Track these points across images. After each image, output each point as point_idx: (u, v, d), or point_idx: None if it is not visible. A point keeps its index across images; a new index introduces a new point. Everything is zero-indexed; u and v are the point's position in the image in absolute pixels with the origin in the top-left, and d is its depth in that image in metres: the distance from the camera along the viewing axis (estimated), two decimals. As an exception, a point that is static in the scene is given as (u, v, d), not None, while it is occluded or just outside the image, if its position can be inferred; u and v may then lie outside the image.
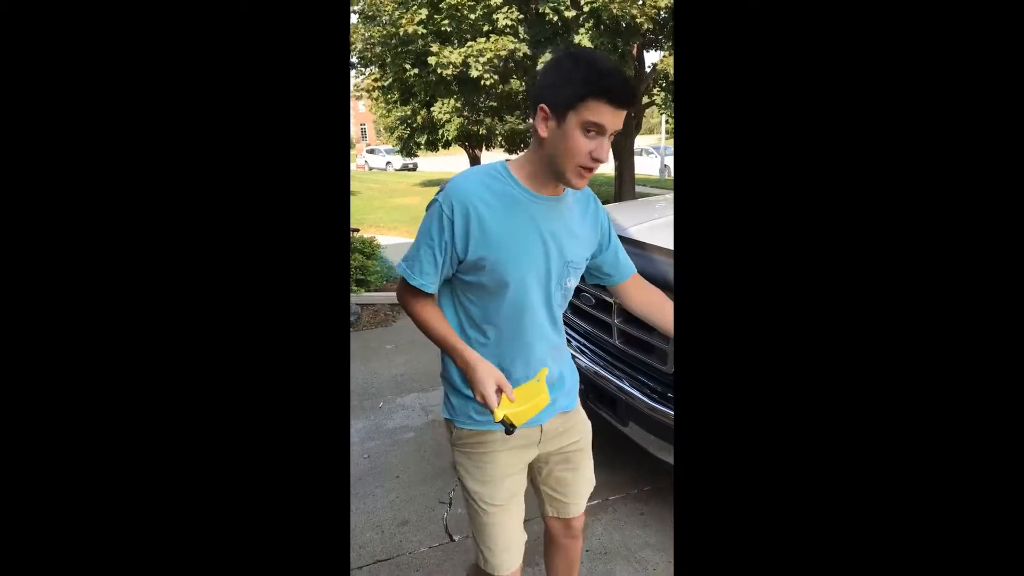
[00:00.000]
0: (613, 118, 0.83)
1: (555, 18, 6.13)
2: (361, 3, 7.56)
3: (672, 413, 1.55)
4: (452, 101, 8.73)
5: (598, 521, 1.79)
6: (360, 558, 1.66)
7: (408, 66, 7.26)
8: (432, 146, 12.14)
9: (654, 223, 2.09)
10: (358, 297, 3.96)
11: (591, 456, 1.19)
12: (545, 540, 1.27)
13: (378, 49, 7.58)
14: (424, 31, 6.42)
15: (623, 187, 8.58)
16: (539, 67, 6.31)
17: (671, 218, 2.23)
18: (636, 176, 9.63)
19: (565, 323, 2.16)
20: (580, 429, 1.15)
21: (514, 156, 1.00)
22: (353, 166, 23.22)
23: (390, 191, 14.00)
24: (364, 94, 10.11)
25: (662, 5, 5.95)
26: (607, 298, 1.83)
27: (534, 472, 1.15)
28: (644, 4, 5.87)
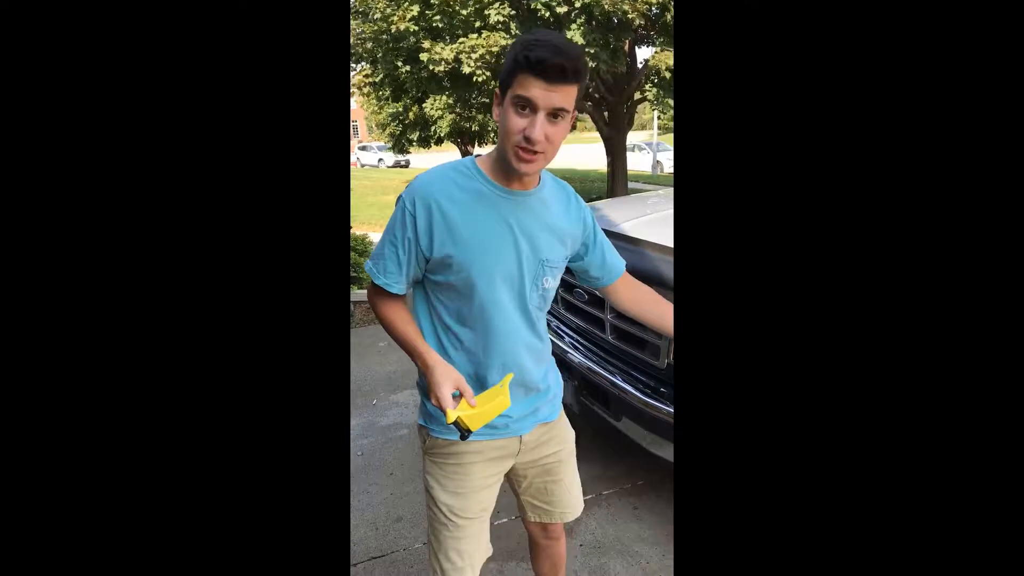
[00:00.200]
0: (544, 93, 0.78)
1: (547, 14, 6.12)
2: (352, -1, 7.51)
3: (665, 408, 1.56)
4: (444, 97, 8.70)
5: (592, 516, 1.80)
6: (355, 555, 1.66)
7: (400, 62, 7.22)
8: (424, 143, 12.09)
9: (646, 219, 2.09)
10: (351, 294, 3.95)
11: (575, 465, 1.16)
12: (529, 542, 1.26)
13: (369, 45, 7.53)
14: (416, 27, 6.38)
15: (616, 183, 8.59)
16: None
17: (663, 214, 2.24)
18: (629, 172, 9.64)
19: (558, 319, 2.18)
20: (561, 439, 1.11)
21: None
22: (345, 163, 22.99)
23: (382, 188, 13.96)
24: (355, 90, 10.05)
25: (654, 1, 5.95)
26: (598, 293, 1.83)
27: (514, 482, 1.12)
28: (636, 0, 5.87)
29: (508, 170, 0.87)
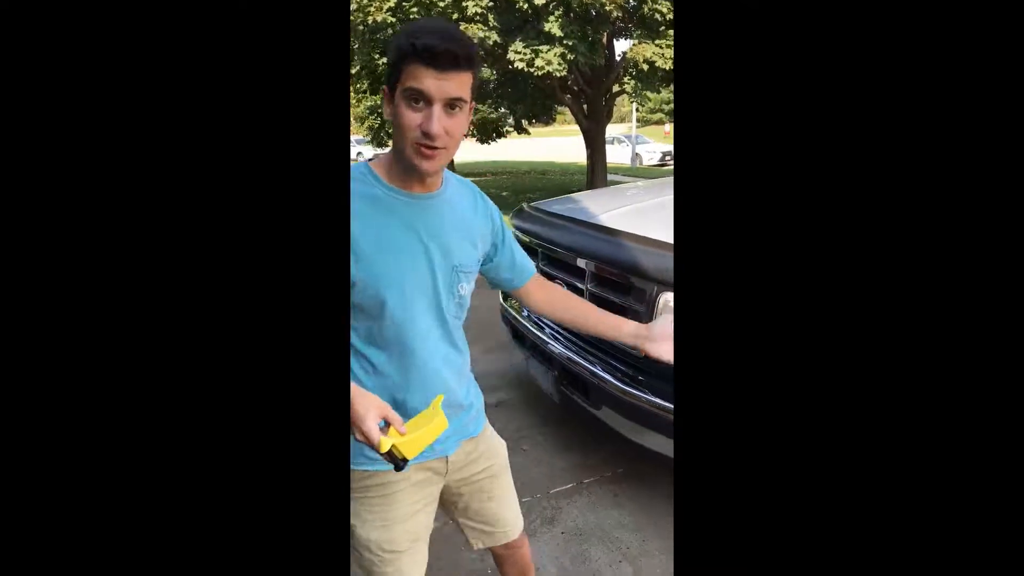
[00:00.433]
0: (436, 83, 0.72)
1: (525, 5, 6.10)
2: (327, -11, 7.36)
3: (643, 396, 1.59)
4: (422, 90, 8.61)
5: (573, 504, 1.82)
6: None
7: (377, 55, 7.14)
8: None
9: (624, 210, 2.11)
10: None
11: (510, 479, 1.10)
12: (495, 559, 1.18)
13: (345, 36, 7.43)
14: (393, 19, 6.31)
15: (595, 176, 8.63)
16: (509, 56, 6.28)
17: (641, 205, 2.26)
18: (608, 165, 9.69)
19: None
20: (491, 454, 1.05)
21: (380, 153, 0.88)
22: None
23: (361, 182, 13.77)
24: (332, 83, 9.90)
25: (631, -7, 5.97)
26: (579, 284, 1.85)
27: (449, 507, 1.06)
28: (614, -8, 5.88)
29: (408, 171, 0.80)
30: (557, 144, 24.16)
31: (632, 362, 1.67)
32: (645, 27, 6.64)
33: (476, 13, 6.18)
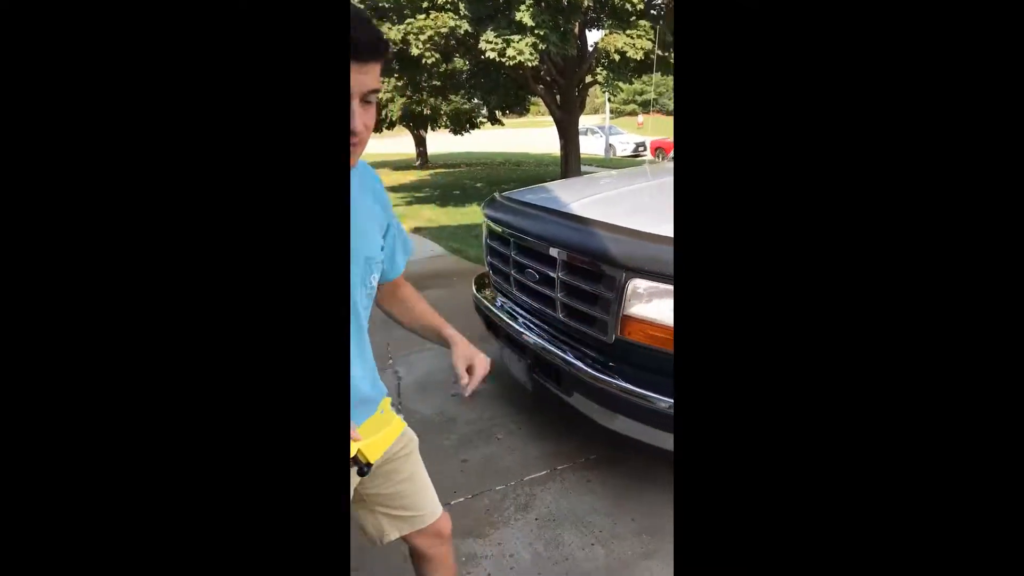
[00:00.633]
0: (356, 76, 0.70)
1: (496, -5, 6.06)
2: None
3: (613, 381, 1.61)
4: (393, 80, 8.52)
5: (547, 490, 1.84)
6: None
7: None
8: (375, 127, 11.83)
9: (595, 198, 2.12)
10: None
11: (422, 465, 1.08)
12: (414, 560, 1.12)
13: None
14: (362, 5, 6.20)
15: (569, 167, 8.65)
16: (480, 45, 6.23)
17: (612, 193, 2.28)
18: (582, 156, 9.72)
19: (512, 300, 2.19)
20: (400, 438, 1.02)
21: None
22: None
23: (333, 174, 13.57)
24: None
25: (602, -17, 5.97)
26: (550, 272, 1.85)
27: (365, 501, 1.01)
28: (584, -18, 5.88)
29: None
30: (531, 135, 24.12)
31: (603, 348, 1.69)
32: (616, 17, 6.66)
33: (447, 1, 6.11)
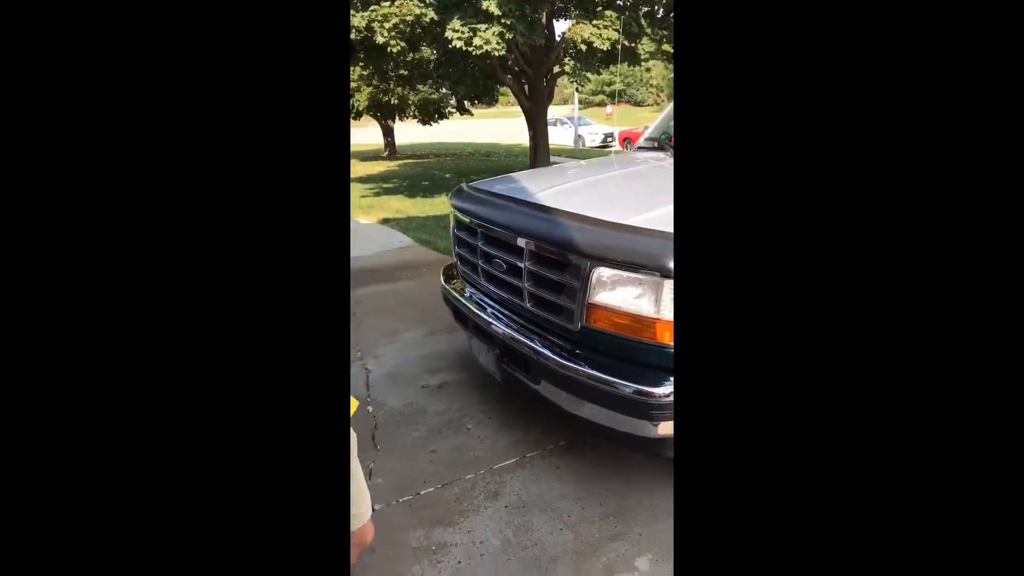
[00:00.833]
0: None
1: (462, -17, 5.99)
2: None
3: (580, 369, 1.63)
4: (359, 69, 8.36)
5: (516, 478, 1.86)
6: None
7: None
8: (341, 117, 11.60)
9: (561, 188, 2.13)
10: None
11: (359, 463, 1.05)
12: None
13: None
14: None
15: (538, 158, 8.66)
16: (447, 34, 6.17)
17: (577, 183, 2.29)
18: (551, 146, 9.73)
19: (480, 291, 2.20)
20: None
21: None
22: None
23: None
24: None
25: (569, -28, 5.97)
26: (517, 262, 1.86)
27: None
28: (551, -29, 5.86)
29: None
30: (501, 125, 24.03)
31: (570, 336, 1.71)
32: (582, 7, 6.66)
33: (412, -11, 6.02)
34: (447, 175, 10.37)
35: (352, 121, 12.45)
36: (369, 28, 6.17)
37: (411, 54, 7.20)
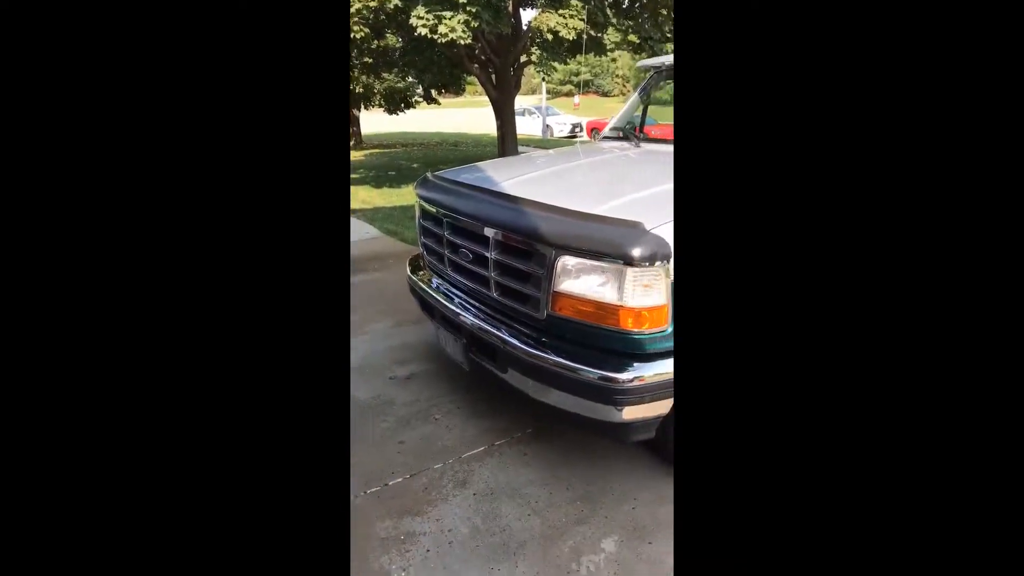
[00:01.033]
0: None
1: (427, -31, 5.90)
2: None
3: (546, 356, 1.64)
4: (322, 56, 8.15)
5: (484, 466, 1.87)
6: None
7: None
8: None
9: (526, 177, 2.14)
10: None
11: None
12: None
13: None
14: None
15: (506, 147, 8.63)
16: (411, 21, 6.08)
17: (543, 172, 2.30)
18: (519, 136, 9.71)
19: (448, 281, 2.19)
20: None
21: None
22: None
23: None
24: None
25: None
26: (484, 252, 1.86)
27: None
28: (516, -41, 5.82)
29: None
30: (469, 115, 23.84)
31: (535, 325, 1.73)
32: (549, -4, 6.64)
33: (375, -25, 5.90)
34: (414, 165, 10.25)
35: (316, 110, 12.15)
36: (331, 14, 6.03)
37: (376, 41, 7.07)
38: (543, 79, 8.97)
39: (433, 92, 10.71)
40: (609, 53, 7.75)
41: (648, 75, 3.04)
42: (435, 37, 6.09)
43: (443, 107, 16.01)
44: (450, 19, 5.94)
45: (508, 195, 1.90)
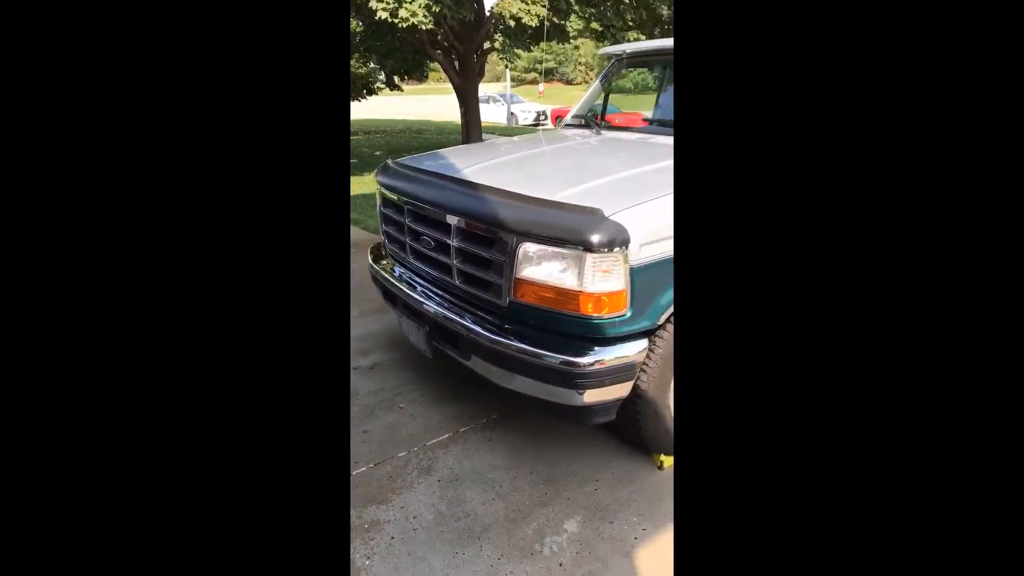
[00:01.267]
0: None
1: (386, -48, 5.76)
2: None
3: (510, 343, 1.66)
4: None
5: (449, 453, 1.88)
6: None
7: None
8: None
9: (487, 164, 2.13)
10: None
11: None
12: None
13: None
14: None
15: (470, 134, 8.57)
16: (371, 5, 5.94)
17: (505, 159, 2.30)
18: (484, 124, 9.65)
19: (410, 270, 2.18)
20: None
21: None
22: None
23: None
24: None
25: (496, -55, 5.86)
26: (445, 239, 1.86)
27: None
28: (478, -57, 5.74)
29: None
30: (434, 102, 23.53)
31: (498, 312, 1.73)
32: (512, -18, 6.58)
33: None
34: (377, 152, 10.08)
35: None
36: None
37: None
38: (506, 66, 8.91)
39: (396, 78, 10.52)
40: (572, 41, 7.75)
41: (609, 63, 3.06)
42: (396, 21, 5.97)
43: (406, 94, 15.77)
44: (411, 3, 5.84)
45: (470, 182, 1.90)
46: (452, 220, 1.82)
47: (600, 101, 3.02)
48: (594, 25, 7.11)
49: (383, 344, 2.63)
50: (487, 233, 1.71)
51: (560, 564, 1.46)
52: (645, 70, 3.38)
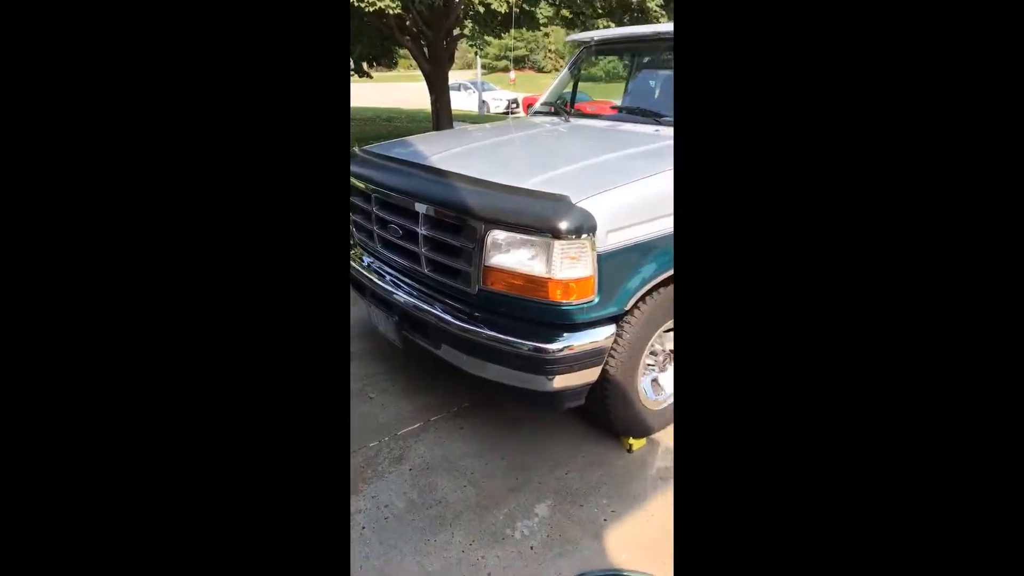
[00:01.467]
0: None
1: (352, -66, 5.63)
2: None
3: (480, 331, 1.66)
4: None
5: (421, 441, 1.88)
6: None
7: None
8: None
9: (456, 151, 2.12)
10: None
11: None
12: None
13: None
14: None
15: (440, 122, 8.48)
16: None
17: (474, 146, 2.29)
18: (455, 112, 9.56)
19: (379, 259, 2.15)
20: None
21: None
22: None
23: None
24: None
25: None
26: (413, 227, 1.84)
27: None
28: (446, -74, 5.65)
29: None
30: (405, 89, 23.18)
31: (468, 300, 1.73)
32: (481, -33, 6.50)
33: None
34: (346, 141, 9.89)
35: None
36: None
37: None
38: (477, 53, 8.82)
39: (364, 65, 10.33)
40: (542, 28, 7.71)
41: (578, 50, 3.06)
42: (362, 6, 5.85)
43: (376, 81, 15.48)
44: (378, -13, 5.72)
45: (438, 169, 1.88)
46: (420, 208, 1.81)
47: (569, 89, 3.02)
48: (564, 12, 7.09)
49: (352, 334, 2.60)
50: (456, 221, 1.70)
51: (531, 548, 1.48)
52: (616, 58, 3.39)
